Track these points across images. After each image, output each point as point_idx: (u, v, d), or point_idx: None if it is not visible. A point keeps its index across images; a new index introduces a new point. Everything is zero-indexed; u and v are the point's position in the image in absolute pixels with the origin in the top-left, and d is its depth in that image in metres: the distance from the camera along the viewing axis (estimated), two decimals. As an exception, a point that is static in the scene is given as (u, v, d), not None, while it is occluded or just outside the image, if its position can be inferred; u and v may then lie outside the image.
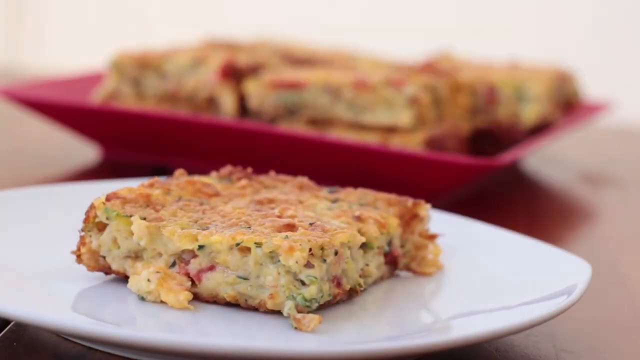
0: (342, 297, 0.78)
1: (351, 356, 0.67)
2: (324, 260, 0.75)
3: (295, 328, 0.73)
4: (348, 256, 0.78)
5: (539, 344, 0.79)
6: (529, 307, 0.76)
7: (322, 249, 0.75)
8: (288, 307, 0.74)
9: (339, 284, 0.77)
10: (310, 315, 0.73)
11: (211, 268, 0.76)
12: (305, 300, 0.74)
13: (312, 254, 0.75)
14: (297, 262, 0.74)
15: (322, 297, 0.75)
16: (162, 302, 0.76)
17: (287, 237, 0.75)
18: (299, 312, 0.74)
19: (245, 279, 0.76)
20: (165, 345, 0.65)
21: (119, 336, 0.66)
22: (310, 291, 0.74)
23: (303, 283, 0.74)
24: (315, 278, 0.74)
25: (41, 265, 0.81)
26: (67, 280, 0.79)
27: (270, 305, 0.75)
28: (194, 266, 0.77)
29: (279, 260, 0.75)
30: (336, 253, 0.76)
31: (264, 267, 0.75)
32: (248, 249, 0.76)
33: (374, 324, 0.77)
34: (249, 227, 0.78)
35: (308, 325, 0.73)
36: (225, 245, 0.76)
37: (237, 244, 0.76)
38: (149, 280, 0.76)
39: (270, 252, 0.75)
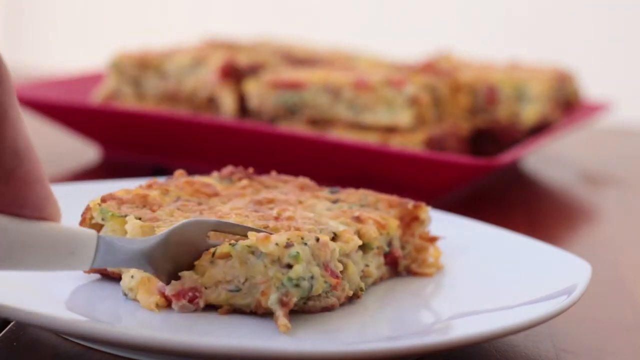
0: (343, 296, 0.77)
1: (351, 356, 0.66)
2: (305, 244, 0.73)
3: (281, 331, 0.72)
4: (334, 248, 0.76)
5: (539, 344, 0.79)
6: (529, 307, 0.76)
7: (301, 238, 0.74)
8: (273, 300, 0.72)
9: (333, 273, 0.75)
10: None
11: (194, 290, 0.75)
12: (292, 280, 0.72)
13: (289, 239, 0.73)
14: (276, 244, 0.72)
15: (313, 280, 0.73)
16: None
17: (262, 231, 0.75)
18: (294, 304, 0.72)
19: (237, 290, 0.74)
20: (164, 345, 0.65)
21: (118, 336, 0.66)
22: (296, 270, 0.72)
23: (290, 267, 0.73)
24: (298, 253, 0.72)
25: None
26: (67, 280, 0.79)
27: (264, 303, 0.73)
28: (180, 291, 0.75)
29: (261, 253, 0.73)
30: (317, 240, 0.74)
31: (249, 265, 0.74)
32: (228, 254, 0.74)
33: (374, 324, 0.77)
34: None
35: (282, 321, 0.72)
36: (206, 260, 0.74)
37: (213, 254, 0.74)
38: (132, 277, 0.76)
39: (249, 246, 0.73)
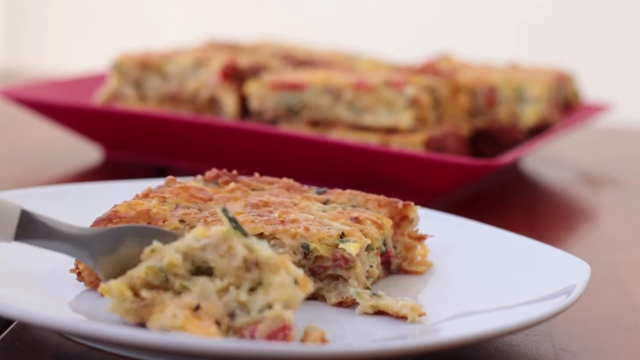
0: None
1: (351, 356, 0.67)
2: None
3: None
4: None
5: (538, 344, 0.79)
6: (528, 307, 0.77)
7: None
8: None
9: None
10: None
11: (284, 329, 0.70)
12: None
13: None
14: None
15: None
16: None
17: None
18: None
19: None
20: (165, 345, 0.66)
21: (120, 336, 0.67)
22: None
23: None
24: None
25: (43, 265, 0.81)
26: (69, 280, 0.79)
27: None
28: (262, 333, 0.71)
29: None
30: None
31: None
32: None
33: (374, 323, 0.77)
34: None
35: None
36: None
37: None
38: (174, 316, 0.70)
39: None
